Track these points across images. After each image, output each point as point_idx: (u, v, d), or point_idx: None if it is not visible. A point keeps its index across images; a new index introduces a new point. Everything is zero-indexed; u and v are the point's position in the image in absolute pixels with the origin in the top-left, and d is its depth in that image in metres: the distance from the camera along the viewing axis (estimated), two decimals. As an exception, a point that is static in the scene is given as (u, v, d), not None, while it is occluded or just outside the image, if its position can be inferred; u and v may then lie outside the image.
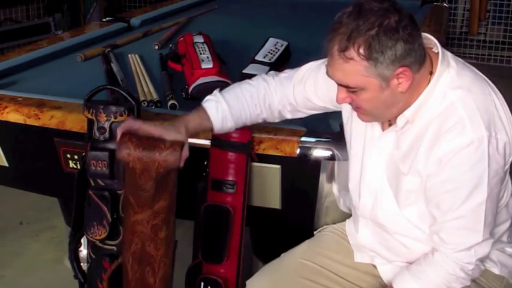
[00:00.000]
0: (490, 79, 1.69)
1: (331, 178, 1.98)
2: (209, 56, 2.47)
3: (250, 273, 1.95)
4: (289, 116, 1.94)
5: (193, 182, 1.95)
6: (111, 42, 2.99)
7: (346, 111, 1.83)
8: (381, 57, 1.49)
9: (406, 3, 1.75)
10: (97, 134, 1.95)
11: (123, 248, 1.82)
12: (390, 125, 1.69)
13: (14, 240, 3.34)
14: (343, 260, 1.90)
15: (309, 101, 1.89)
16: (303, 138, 1.95)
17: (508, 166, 1.65)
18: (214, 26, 3.33)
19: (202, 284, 1.96)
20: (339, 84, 1.59)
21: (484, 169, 1.55)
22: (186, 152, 1.74)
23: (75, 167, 2.15)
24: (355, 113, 1.72)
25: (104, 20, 3.60)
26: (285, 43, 2.71)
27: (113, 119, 1.94)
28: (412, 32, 1.51)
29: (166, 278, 1.81)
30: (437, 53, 1.63)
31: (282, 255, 1.93)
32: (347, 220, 1.98)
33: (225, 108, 1.85)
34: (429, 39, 1.64)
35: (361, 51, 1.49)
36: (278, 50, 2.63)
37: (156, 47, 2.94)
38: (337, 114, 2.13)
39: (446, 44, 4.44)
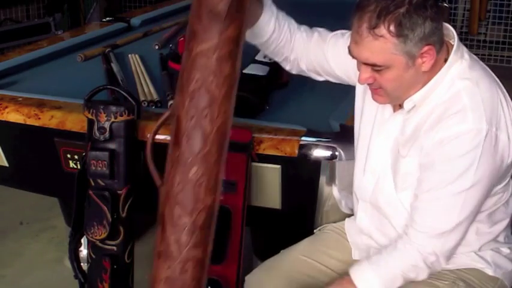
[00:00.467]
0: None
1: (331, 179, 1.98)
2: (209, 56, 2.47)
3: (250, 273, 1.95)
4: (303, 67, 1.91)
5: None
6: (112, 42, 2.99)
7: (360, 92, 1.83)
8: (410, 34, 1.51)
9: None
10: (97, 134, 1.96)
11: (177, 93, 1.55)
12: (401, 107, 1.71)
13: (14, 240, 3.34)
14: (341, 257, 1.91)
15: (326, 61, 1.87)
16: (303, 138, 1.95)
17: (510, 166, 1.65)
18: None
19: (202, 284, 1.96)
20: (364, 64, 1.59)
21: (475, 159, 1.56)
22: None
23: (75, 167, 2.15)
24: (368, 95, 1.74)
25: (104, 20, 3.60)
26: (285, 43, 2.70)
27: (113, 119, 1.95)
28: (438, 12, 1.54)
29: (224, 131, 1.55)
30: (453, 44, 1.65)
31: (282, 251, 1.93)
32: (346, 219, 1.98)
33: (274, 10, 1.85)
34: (448, 29, 1.65)
35: (392, 28, 1.50)
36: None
37: (157, 47, 2.94)
38: (337, 115, 2.14)
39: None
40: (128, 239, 2.04)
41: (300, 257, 1.89)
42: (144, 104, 2.22)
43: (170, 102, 2.21)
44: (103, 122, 1.95)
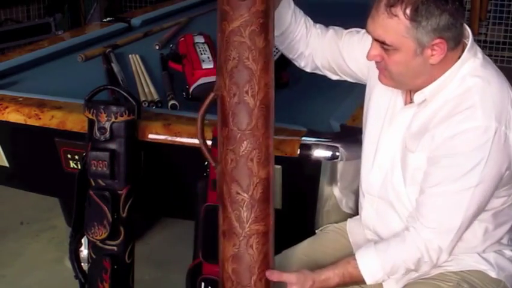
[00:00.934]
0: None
1: (332, 178, 1.98)
2: (210, 56, 2.47)
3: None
4: (318, 63, 1.92)
5: (194, 183, 1.95)
6: (112, 43, 2.99)
7: (370, 87, 1.84)
8: (424, 21, 1.52)
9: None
10: (98, 134, 1.96)
11: (217, 73, 1.60)
12: (411, 102, 1.71)
13: (15, 240, 3.34)
14: (342, 258, 1.90)
15: (341, 57, 1.88)
16: (304, 138, 1.95)
17: None
18: (215, 26, 3.32)
19: (202, 284, 1.96)
20: (375, 40, 1.60)
21: (483, 157, 1.56)
22: None
23: (75, 167, 2.15)
24: (377, 90, 1.75)
25: (105, 20, 3.60)
26: (286, 43, 2.70)
27: (113, 119, 1.95)
28: (459, 8, 1.55)
29: (268, 104, 1.59)
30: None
31: (283, 251, 1.93)
32: (348, 219, 1.98)
33: (292, 3, 1.87)
34: (465, 29, 1.66)
35: (408, 11, 1.52)
36: (279, 50, 2.63)
37: (157, 47, 2.94)
38: (338, 115, 2.14)
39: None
40: (128, 239, 2.04)
41: (301, 257, 1.89)
42: (145, 104, 2.22)
43: (170, 102, 2.21)
44: (103, 122, 1.95)
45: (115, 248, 2.02)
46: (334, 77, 1.95)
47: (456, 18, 1.55)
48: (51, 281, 2.98)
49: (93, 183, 1.99)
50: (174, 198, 2.20)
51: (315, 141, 1.94)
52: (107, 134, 1.95)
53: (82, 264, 2.13)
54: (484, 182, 1.59)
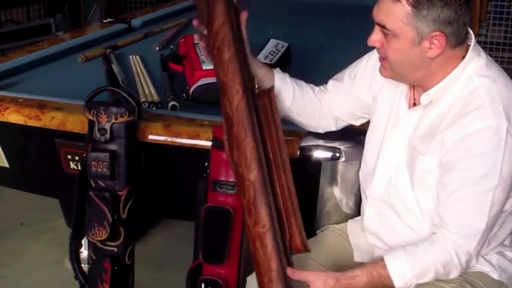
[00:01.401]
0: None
1: (332, 179, 1.98)
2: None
3: (251, 274, 1.95)
4: (336, 113, 1.94)
5: (194, 183, 1.95)
6: (112, 43, 2.99)
7: (375, 94, 1.85)
8: (424, 11, 1.53)
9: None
10: (98, 135, 1.96)
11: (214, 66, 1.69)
12: (415, 104, 1.72)
13: (15, 241, 3.34)
14: (343, 259, 1.90)
15: (352, 95, 1.89)
16: (304, 139, 1.95)
17: None
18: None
19: (203, 285, 1.96)
20: (378, 24, 1.61)
21: (499, 157, 1.56)
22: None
23: (76, 168, 2.15)
24: (380, 94, 1.77)
25: (105, 21, 3.59)
26: (286, 44, 2.71)
27: (113, 120, 1.95)
28: (463, 7, 1.56)
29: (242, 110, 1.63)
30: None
31: (284, 253, 1.93)
32: (349, 220, 1.98)
33: (287, 76, 1.90)
34: (468, 31, 1.66)
35: None
36: (279, 51, 2.64)
37: (157, 48, 2.94)
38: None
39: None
40: (129, 240, 2.04)
41: (302, 257, 1.89)
42: (145, 105, 2.22)
43: (171, 103, 2.21)
44: (104, 123, 1.95)
45: (115, 249, 2.02)
46: (358, 122, 1.95)
47: (459, 15, 1.55)
48: (51, 282, 2.99)
49: (93, 184, 1.99)
50: (174, 199, 2.19)
51: (315, 142, 1.94)
52: (107, 135, 1.95)
53: (82, 265, 2.13)
54: (503, 181, 1.58)
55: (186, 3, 4.00)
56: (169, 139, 2.02)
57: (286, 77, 1.90)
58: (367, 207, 1.85)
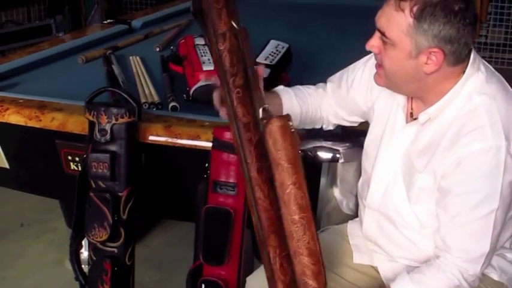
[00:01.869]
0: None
1: (332, 180, 1.98)
2: (210, 58, 2.47)
3: (251, 274, 1.95)
4: (334, 120, 1.96)
5: (194, 184, 1.95)
6: (113, 44, 2.99)
7: (373, 101, 1.84)
8: (426, 25, 1.50)
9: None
10: (98, 136, 1.96)
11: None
12: (413, 118, 1.70)
13: (15, 241, 3.34)
14: (342, 260, 1.91)
15: (351, 98, 1.89)
16: (304, 141, 1.95)
17: None
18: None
19: (203, 286, 1.96)
20: (378, 30, 1.59)
21: (498, 178, 1.54)
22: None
23: (76, 168, 2.15)
24: (377, 105, 1.76)
25: (105, 22, 3.59)
26: (286, 45, 2.71)
27: (114, 121, 1.95)
28: (467, 27, 1.52)
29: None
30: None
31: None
32: (349, 221, 1.98)
33: (290, 91, 1.90)
34: (471, 51, 1.63)
35: (414, 9, 1.50)
36: (279, 52, 2.63)
37: (158, 49, 2.94)
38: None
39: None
40: (129, 241, 2.04)
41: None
42: (145, 105, 2.22)
43: (171, 104, 2.21)
44: (104, 124, 1.95)
45: (115, 249, 2.02)
46: (356, 124, 1.96)
47: (461, 35, 1.51)
48: (51, 283, 2.99)
49: (93, 185, 1.99)
50: (175, 200, 2.19)
51: (316, 143, 1.94)
52: (108, 136, 1.95)
53: (82, 266, 2.13)
54: (503, 202, 1.57)
55: (187, 4, 3.99)
56: (170, 140, 2.02)
57: (292, 97, 1.89)
58: (365, 216, 1.85)
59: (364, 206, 1.85)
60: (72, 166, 2.16)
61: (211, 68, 2.39)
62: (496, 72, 1.68)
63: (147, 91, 2.36)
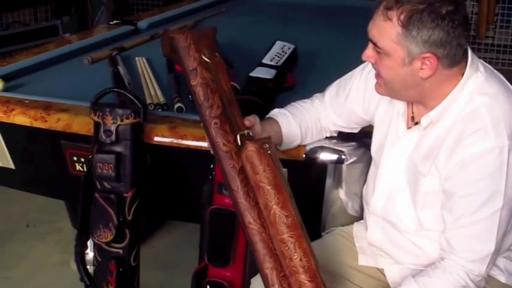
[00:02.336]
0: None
1: (337, 182, 1.98)
2: (216, 59, 2.47)
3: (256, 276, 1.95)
4: (341, 123, 1.96)
5: (199, 185, 1.95)
6: (119, 45, 2.99)
7: (372, 109, 1.84)
8: (415, 31, 1.50)
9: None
10: (103, 137, 1.96)
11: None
12: (414, 122, 1.70)
13: (21, 242, 3.35)
14: (347, 262, 1.90)
15: (349, 107, 1.90)
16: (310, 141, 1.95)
17: None
18: (221, 29, 3.32)
19: (208, 287, 1.96)
20: (370, 41, 1.60)
21: (502, 178, 1.54)
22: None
23: (81, 169, 2.15)
24: (378, 112, 1.76)
25: (112, 22, 3.60)
26: (292, 46, 2.70)
27: (119, 122, 1.95)
28: (457, 29, 1.51)
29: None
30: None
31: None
32: (355, 223, 1.97)
33: (286, 112, 1.91)
34: (467, 51, 1.63)
35: (402, 17, 1.50)
36: (285, 53, 2.63)
37: (163, 50, 2.94)
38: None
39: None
40: (134, 241, 2.04)
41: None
42: (151, 106, 2.22)
43: (176, 105, 2.21)
44: (109, 125, 1.95)
45: (120, 250, 2.02)
46: (356, 130, 1.96)
47: (452, 37, 1.51)
48: (56, 283, 2.99)
49: (98, 186, 1.99)
50: (180, 201, 2.19)
51: (321, 144, 1.94)
52: (113, 137, 1.95)
53: (88, 266, 2.13)
54: (508, 201, 1.56)
55: (192, 5, 4.01)
56: (175, 141, 2.02)
57: (289, 119, 1.89)
58: (370, 222, 1.85)
59: (368, 212, 1.85)
60: (78, 167, 2.16)
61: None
62: (497, 72, 1.68)
63: (153, 92, 2.36)
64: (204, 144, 1.97)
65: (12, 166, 2.30)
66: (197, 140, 1.99)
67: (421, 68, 1.54)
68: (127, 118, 1.95)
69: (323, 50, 2.97)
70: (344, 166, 1.93)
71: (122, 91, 2.16)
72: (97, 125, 1.98)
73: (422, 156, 1.66)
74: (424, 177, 1.66)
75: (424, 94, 1.61)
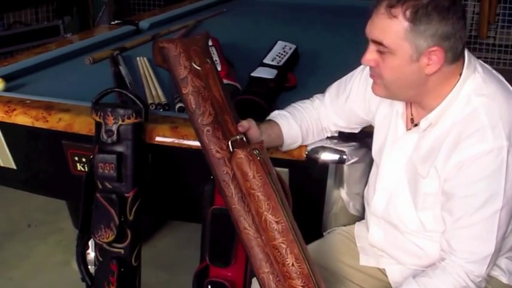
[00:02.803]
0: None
1: (339, 182, 1.98)
2: (217, 59, 2.47)
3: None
4: (342, 123, 1.95)
5: (201, 185, 1.95)
6: (120, 45, 2.99)
7: (372, 111, 1.84)
8: (423, 26, 1.50)
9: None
10: (105, 137, 1.96)
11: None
12: (414, 124, 1.70)
13: (22, 242, 3.35)
14: (349, 262, 1.90)
15: (349, 108, 1.90)
16: (311, 141, 1.94)
17: None
18: (223, 29, 3.33)
19: (209, 287, 1.96)
20: (372, 41, 1.58)
21: (501, 178, 1.54)
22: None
23: (83, 169, 2.15)
24: (377, 115, 1.76)
25: (113, 22, 3.60)
26: (293, 46, 2.70)
27: (120, 122, 1.95)
28: (460, 21, 1.53)
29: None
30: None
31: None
32: (356, 223, 1.97)
33: (286, 113, 1.90)
34: (465, 47, 1.63)
35: (407, 13, 1.50)
36: (286, 53, 2.63)
37: (165, 50, 2.94)
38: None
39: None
40: (135, 242, 2.04)
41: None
42: (152, 106, 2.22)
43: (178, 105, 2.21)
44: (110, 125, 1.95)
45: (122, 250, 2.02)
46: (357, 130, 1.97)
47: (456, 30, 1.52)
48: (58, 284, 2.99)
49: (100, 186, 1.99)
50: (181, 201, 2.19)
51: (322, 144, 1.93)
52: (114, 137, 1.95)
53: (89, 266, 2.13)
54: (507, 202, 1.56)
55: (194, 5, 4.01)
56: (176, 141, 2.02)
57: (289, 120, 1.89)
58: (371, 224, 1.85)
59: (370, 213, 1.85)
60: (79, 167, 2.16)
61: (219, 69, 2.38)
62: (495, 72, 1.68)
63: (154, 92, 2.36)
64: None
65: (13, 166, 2.30)
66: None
67: (428, 64, 1.54)
68: (128, 118, 1.95)
69: (324, 49, 2.97)
70: (345, 166, 1.92)
71: (123, 91, 2.16)
72: (98, 125, 1.98)
73: (421, 158, 1.66)
74: (423, 179, 1.66)
75: (424, 94, 1.61)
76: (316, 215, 2.04)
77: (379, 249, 1.85)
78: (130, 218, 1.99)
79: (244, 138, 1.70)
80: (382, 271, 1.88)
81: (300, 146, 1.93)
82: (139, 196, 2.00)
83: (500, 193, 1.55)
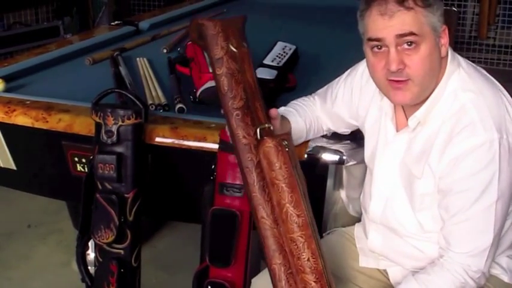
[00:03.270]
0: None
1: (339, 183, 1.98)
2: (217, 59, 2.47)
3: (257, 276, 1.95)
4: (331, 126, 1.97)
5: (201, 186, 1.95)
6: (120, 46, 2.99)
7: (362, 116, 1.84)
8: (435, 8, 1.55)
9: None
10: (104, 138, 1.96)
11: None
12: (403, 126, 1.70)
13: (22, 243, 3.35)
14: (348, 263, 1.90)
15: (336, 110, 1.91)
16: (311, 142, 1.94)
17: None
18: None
19: (209, 287, 1.96)
20: (400, 36, 1.53)
21: (495, 171, 1.54)
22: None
23: (83, 170, 2.15)
24: (368, 117, 1.76)
25: (113, 23, 3.60)
26: (293, 47, 2.71)
27: (120, 123, 1.95)
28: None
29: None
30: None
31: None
32: (356, 224, 1.97)
33: (292, 110, 1.91)
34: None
35: (418, 1, 1.53)
36: (286, 53, 2.63)
37: (165, 51, 2.94)
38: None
39: (455, 49, 4.43)
40: (135, 242, 2.04)
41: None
42: (152, 107, 2.22)
43: (178, 105, 2.21)
44: (110, 126, 1.95)
45: (122, 251, 2.02)
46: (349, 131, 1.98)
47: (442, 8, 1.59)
48: (58, 284, 2.99)
49: (100, 187, 1.99)
50: (181, 202, 2.19)
51: (322, 144, 1.94)
52: (114, 137, 1.95)
53: (89, 267, 2.13)
54: (503, 193, 1.57)
55: (194, 6, 4.01)
56: (176, 141, 2.02)
57: (296, 115, 1.90)
58: (370, 230, 1.84)
59: (368, 220, 1.84)
60: (79, 167, 2.16)
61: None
62: (480, 68, 1.69)
63: (154, 93, 2.36)
64: (205, 145, 1.98)
65: (13, 167, 2.30)
66: (198, 141, 1.99)
67: (443, 44, 1.59)
68: (128, 119, 1.95)
69: (324, 50, 2.97)
70: (344, 167, 1.93)
71: (123, 92, 2.16)
72: (98, 126, 1.98)
73: (414, 159, 1.66)
74: (418, 180, 1.66)
75: (432, 82, 1.61)
76: (316, 215, 2.04)
77: (379, 254, 1.85)
78: (130, 218, 1.99)
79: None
80: (382, 272, 1.88)
81: (300, 146, 1.93)
82: (139, 197, 2.01)
83: (495, 185, 1.55)
